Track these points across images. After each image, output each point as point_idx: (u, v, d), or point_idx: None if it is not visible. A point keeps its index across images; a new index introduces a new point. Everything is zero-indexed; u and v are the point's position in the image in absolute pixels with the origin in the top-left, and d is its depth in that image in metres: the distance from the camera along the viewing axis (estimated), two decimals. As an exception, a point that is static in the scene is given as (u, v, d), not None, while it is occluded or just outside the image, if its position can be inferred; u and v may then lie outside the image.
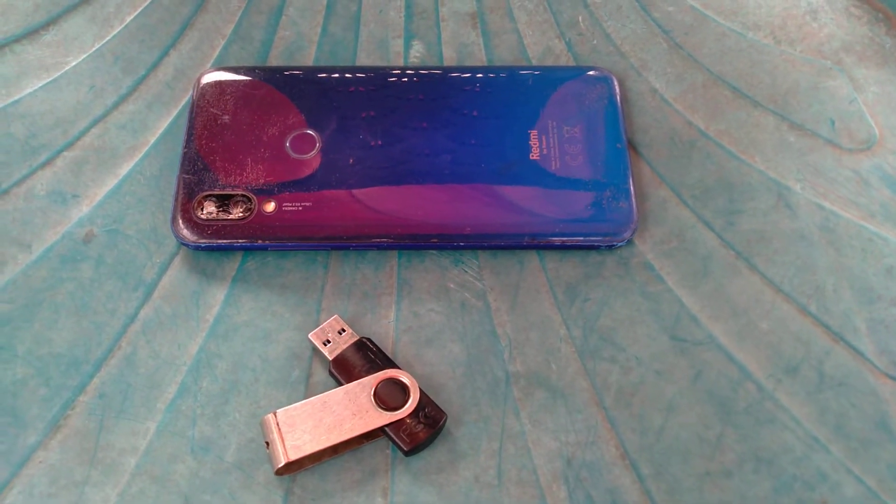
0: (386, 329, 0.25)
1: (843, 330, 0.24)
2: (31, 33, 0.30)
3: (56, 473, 0.22)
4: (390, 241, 0.25)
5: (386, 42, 0.31)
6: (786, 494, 0.22)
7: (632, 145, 0.28)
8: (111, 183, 0.27)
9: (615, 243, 0.26)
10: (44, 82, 0.29)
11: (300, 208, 0.26)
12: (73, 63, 0.29)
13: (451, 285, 0.26)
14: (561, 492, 0.22)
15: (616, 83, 0.29)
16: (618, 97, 0.28)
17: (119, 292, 0.25)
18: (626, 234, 0.26)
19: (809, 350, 0.24)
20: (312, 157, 0.27)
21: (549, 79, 0.29)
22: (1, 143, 0.27)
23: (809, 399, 0.23)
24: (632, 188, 0.26)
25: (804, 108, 0.29)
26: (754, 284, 0.25)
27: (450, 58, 0.30)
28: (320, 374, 0.24)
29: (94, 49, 0.30)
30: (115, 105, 0.28)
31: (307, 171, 0.26)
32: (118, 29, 0.30)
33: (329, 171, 0.26)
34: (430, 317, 0.25)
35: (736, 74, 0.30)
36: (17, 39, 0.30)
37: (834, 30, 0.31)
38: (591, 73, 0.29)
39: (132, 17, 0.30)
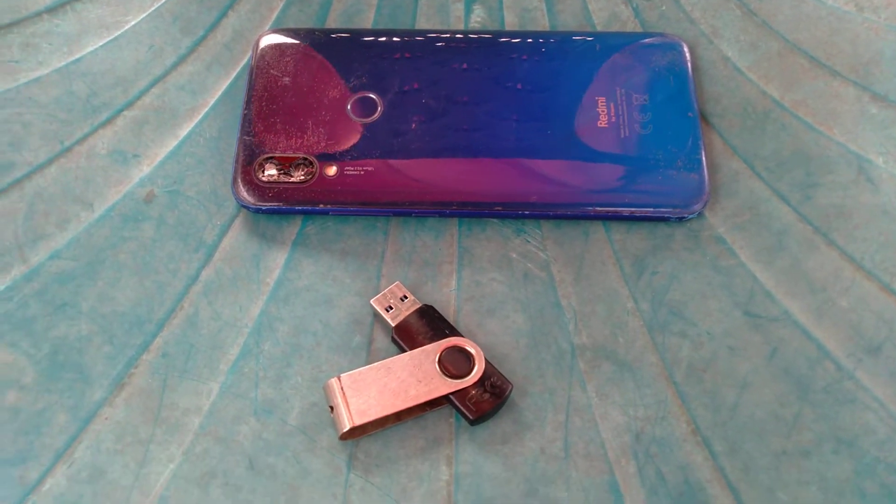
0: (447, 297, 0.24)
1: (930, 309, 0.23)
2: (92, -9, 0.30)
3: (122, 430, 0.22)
4: (453, 208, 0.25)
5: (446, 6, 0.30)
6: (868, 477, 0.21)
7: (702, 115, 0.27)
8: (171, 144, 0.27)
9: (685, 215, 0.25)
10: (104, 41, 0.28)
11: (362, 173, 0.25)
12: (133, 22, 0.29)
13: (514, 255, 0.25)
14: (630, 467, 0.21)
15: (687, 50, 0.28)
16: (689, 64, 0.27)
17: (180, 253, 0.25)
18: (697, 207, 0.25)
19: (893, 329, 0.23)
20: (374, 121, 0.26)
21: (619, 45, 0.28)
22: (63, 101, 0.27)
23: (893, 380, 0.22)
24: (703, 158, 0.25)
25: (888, 79, 0.27)
26: (833, 260, 0.24)
27: (511, 23, 0.29)
28: (382, 340, 0.23)
29: (153, 8, 0.29)
30: (174, 65, 0.28)
31: (369, 135, 0.26)
32: (177, -12, 0.30)
33: (391, 136, 0.26)
34: (493, 286, 0.24)
35: (814, 43, 0.28)
36: (79, -3, 0.29)
37: (921, -4, 0.29)
38: (661, 39, 0.28)
39: (191, -24, 0.30)
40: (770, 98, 0.27)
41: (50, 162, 0.26)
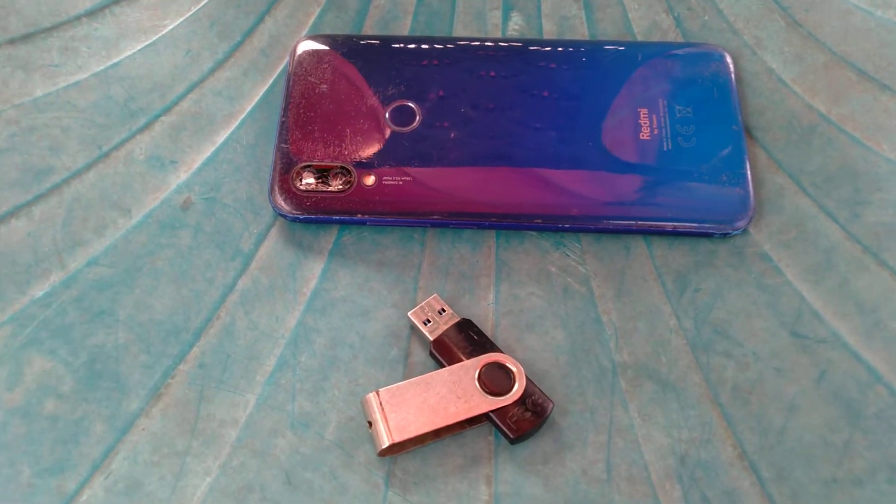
0: (485, 311, 0.24)
1: None
2: (131, -5, 0.29)
3: (158, 442, 0.22)
4: (493, 220, 0.24)
5: (483, 13, 0.29)
6: (922, 508, 0.20)
7: (746, 128, 0.27)
8: (208, 150, 0.26)
9: (729, 231, 0.24)
10: (142, 45, 0.28)
11: (400, 183, 0.25)
12: (171, 26, 0.29)
13: (553, 269, 0.24)
14: (675, 491, 0.21)
15: (730, 61, 0.27)
16: (732, 76, 0.27)
17: (217, 261, 0.24)
18: (742, 223, 0.24)
19: (947, 354, 0.22)
20: (413, 130, 0.26)
21: (660, 54, 0.27)
22: (101, 106, 0.27)
23: (947, 407, 0.22)
24: (748, 173, 0.25)
25: (940, 94, 0.27)
26: (884, 281, 0.24)
27: (550, 31, 0.29)
28: (419, 353, 0.23)
29: (190, 13, 0.29)
30: (212, 71, 0.28)
31: (407, 145, 0.25)
32: (215, -7, 0.30)
33: (430, 146, 0.25)
34: (531, 300, 0.24)
35: (862, 55, 0.28)
36: (117, 1, 0.29)
37: (975, 9, 0.28)
38: (704, 49, 0.27)
39: (229, -19, 0.30)
40: (816, 112, 0.27)
41: (88, 167, 0.26)
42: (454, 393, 0.22)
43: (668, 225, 0.24)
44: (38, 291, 0.24)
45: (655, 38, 0.29)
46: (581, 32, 0.29)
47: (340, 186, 0.25)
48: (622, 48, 0.28)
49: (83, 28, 0.29)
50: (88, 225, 0.25)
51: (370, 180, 0.25)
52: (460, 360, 0.22)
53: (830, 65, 0.28)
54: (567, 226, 0.25)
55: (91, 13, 0.29)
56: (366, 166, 0.25)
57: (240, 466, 0.21)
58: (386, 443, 0.21)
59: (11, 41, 0.28)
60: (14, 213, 0.25)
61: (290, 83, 0.27)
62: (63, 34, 0.28)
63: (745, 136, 0.26)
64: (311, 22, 0.29)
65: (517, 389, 0.22)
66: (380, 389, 0.21)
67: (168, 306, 0.24)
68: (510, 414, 0.21)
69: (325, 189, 0.25)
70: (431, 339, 0.23)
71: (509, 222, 0.25)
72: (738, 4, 0.29)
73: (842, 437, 0.21)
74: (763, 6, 0.29)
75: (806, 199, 0.25)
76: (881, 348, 0.23)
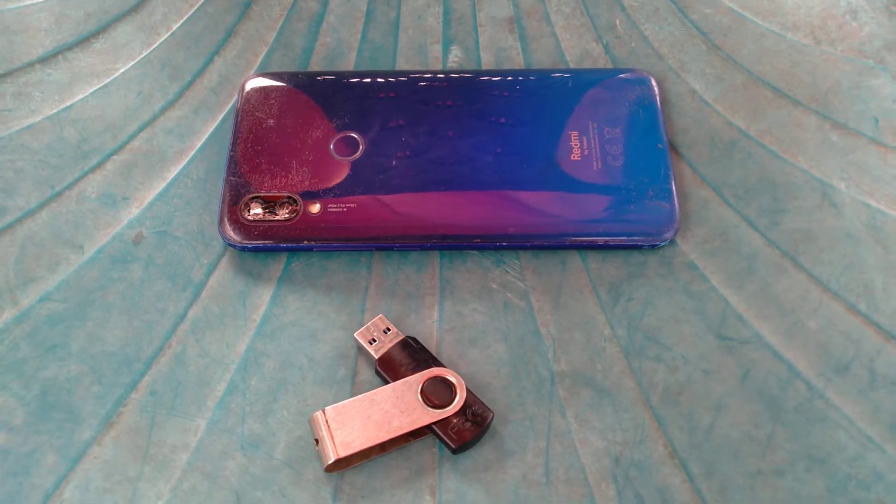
0: (430, 329, 0.25)
1: (895, 328, 0.24)
2: (83, 41, 0.31)
3: (110, 469, 0.22)
4: (434, 241, 0.26)
5: (424, 48, 0.31)
6: (840, 494, 0.22)
7: (672, 146, 0.28)
8: (159, 186, 0.27)
9: (658, 243, 0.26)
10: (94, 88, 0.29)
11: (345, 209, 0.26)
12: (122, 70, 0.30)
13: (494, 285, 0.26)
14: (610, 490, 0.22)
15: (655, 84, 0.29)
16: (657, 98, 0.29)
17: (168, 292, 0.25)
18: (669, 234, 0.26)
19: (860, 349, 0.24)
20: (356, 160, 0.27)
21: (589, 80, 0.29)
22: (54, 147, 0.28)
23: (862, 398, 0.23)
24: (674, 188, 0.26)
25: (846, 107, 0.29)
26: (801, 283, 0.25)
27: (488, 62, 0.31)
28: (366, 372, 0.24)
29: (142, 56, 0.30)
30: (163, 110, 0.29)
31: (351, 173, 0.27)
32: (165, 37, 0.31)
33: (373, 173, 0.27)
34: (474, 317, 0.25)
35: (776, 74, 0.30)
36: (70, 47, 0.30)
37: (875, 29, 0.31)
38: (630, 74, 0.29)
39: (178, 24, 0.31)
40: (736, 128, 0.29)
41: (41, 207, 0.27)
42: (397, 408, 0.22)
43: (601, 239, 0.26)
44: (-8, 328, 0.24)
45: (587, 65, 0.30)
46: (517, 62, 0.31)
47: (287, 215, 0.26)
48: (554, 76, 0.29)
49: (36, 74, 0.30)
50: (41, 262, 0.26)
51: (315, 208, 0.26)
52: (404, 377, 0.23)
53: (748, 84, 0.30)
54: (505, 244, 0.26)
55: (44, 59, 0.30)
56: (311, 195, 0.26)
57: (191, 489, 0.22)
58: (332, 458, 0.22)
59: (-33, 89, 0.29)
60: (-31, 253, 0.26)
61: (238, 119, 0.28)
62: (16, 80, 0.30)
63: (671, 153, 0.28)
64: (258, 61, 0.30)
65: (458, 401, 0.23)
66: (326, 408, 0.22)
67: (120, 338, 0.24)
68: (451, 425, 0.22)
69: (272, 219, 0.26)
70: (377, 357, 0.24)
71: (450, 242, 0.26)
72: (663, 31, 0.31)
73: (765, 432, 0.23)
74: (685, 32, 0.31)
75: (728, 209, 0.27)
76: (800, 346, 0.24)
